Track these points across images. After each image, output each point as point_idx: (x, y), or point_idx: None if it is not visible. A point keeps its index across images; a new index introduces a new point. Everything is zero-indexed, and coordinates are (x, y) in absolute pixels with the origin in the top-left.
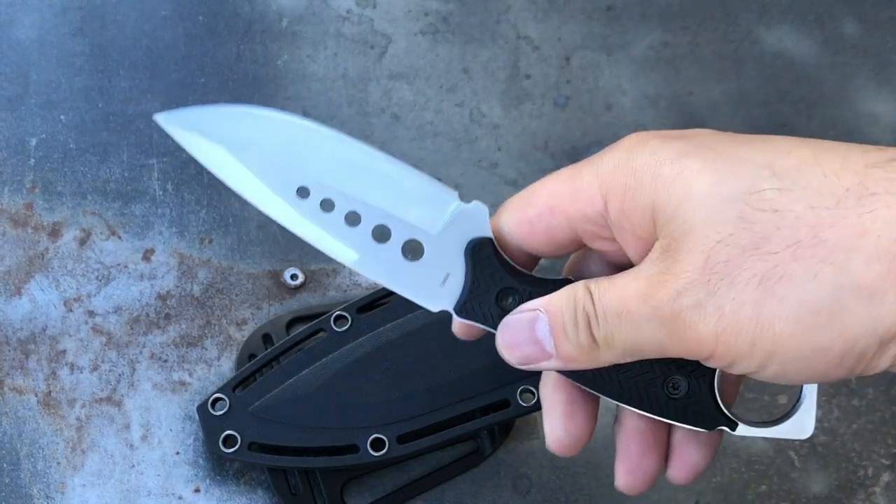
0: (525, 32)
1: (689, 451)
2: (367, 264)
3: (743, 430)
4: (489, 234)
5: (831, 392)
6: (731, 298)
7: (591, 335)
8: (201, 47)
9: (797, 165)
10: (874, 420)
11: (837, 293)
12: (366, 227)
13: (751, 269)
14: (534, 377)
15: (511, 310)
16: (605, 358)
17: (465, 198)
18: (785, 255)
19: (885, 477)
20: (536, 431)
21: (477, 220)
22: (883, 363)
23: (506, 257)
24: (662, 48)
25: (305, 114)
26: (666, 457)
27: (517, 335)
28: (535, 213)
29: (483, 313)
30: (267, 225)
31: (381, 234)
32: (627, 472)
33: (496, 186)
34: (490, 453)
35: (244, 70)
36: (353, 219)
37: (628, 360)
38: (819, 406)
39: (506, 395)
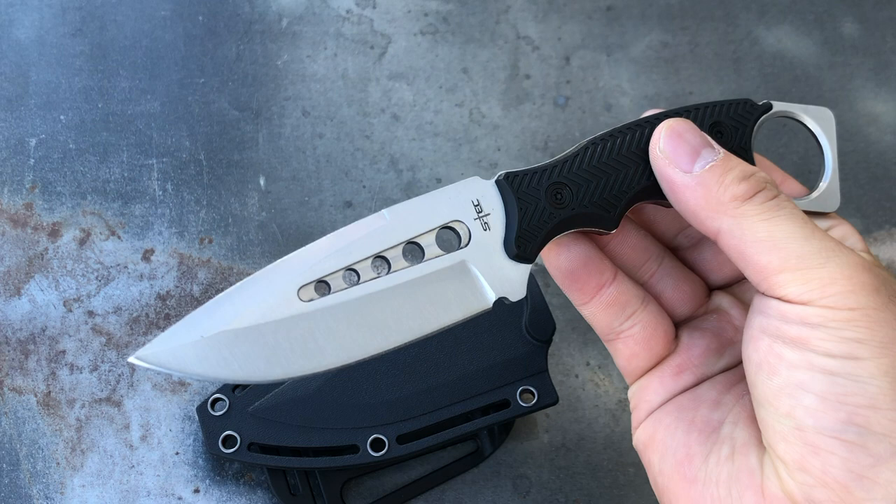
0: (525, 32)
1: None
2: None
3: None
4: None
5: None
6: None
7: (751, 189)
8: (201, 47)
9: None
10: None
11: None
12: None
13: None
14: (534, 378)
15: (565, 204)
16: (726, 211)
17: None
18: None
19: None
20: (536, 431)
21: (478, 182)
22: None
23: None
24: (662, 48)
25: (306, 113)
26: None
27: (690, 133)
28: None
29: (540, 224)
30: (267, 225)
31: (413, 253)
32: None
33: None
34: (490, 453)
35: (244, 70)
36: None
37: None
38: None
39: (506, 395)
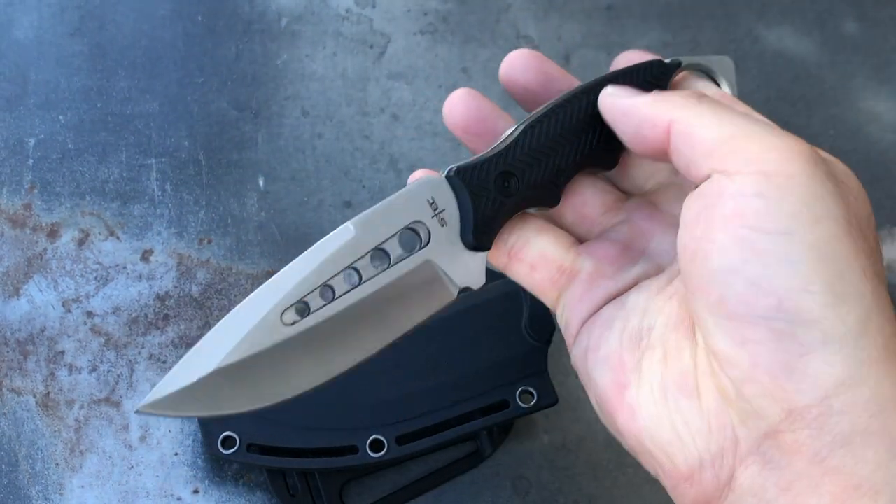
0: (525, 32)
1: None
2: None
3: None
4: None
5: None
6: None
7: (700, 94)
8: (200, 47)
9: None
10: None
11: None
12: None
13: None
14: (533, 378)
15: (513, 192)
16: (680, 105)
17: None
18: None
19: None
20: (536, 432)
21: (430, 181)
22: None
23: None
24: (662, 47)
25: (305, 113)
26: None
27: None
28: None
29: (492, 213)
30: (266, 225)
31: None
32: None
33: None
34: (489, 454)
35: (243, 70)
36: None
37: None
38: None
39: (505, 396)
